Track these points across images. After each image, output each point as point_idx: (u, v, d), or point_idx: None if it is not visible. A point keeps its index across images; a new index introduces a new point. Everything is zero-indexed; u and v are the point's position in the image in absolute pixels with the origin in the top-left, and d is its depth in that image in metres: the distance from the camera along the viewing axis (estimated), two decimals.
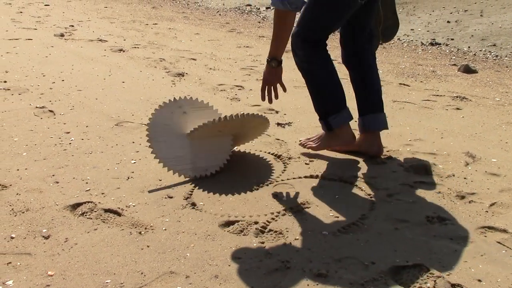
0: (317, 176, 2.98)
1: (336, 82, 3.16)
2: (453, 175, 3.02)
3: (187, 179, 2.94)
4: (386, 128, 3.29)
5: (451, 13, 8.54)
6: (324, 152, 3.31)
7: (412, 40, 7.30)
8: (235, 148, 3.35)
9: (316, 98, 3.19)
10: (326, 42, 3.10)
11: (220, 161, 3.05)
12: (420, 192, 2.81)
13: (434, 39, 7.24)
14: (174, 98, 3.27)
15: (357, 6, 2.98)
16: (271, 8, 2.71)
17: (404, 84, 5.07)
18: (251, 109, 4.10)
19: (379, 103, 3.29)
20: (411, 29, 7.81)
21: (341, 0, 2.93)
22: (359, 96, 3.32)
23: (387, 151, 3.34)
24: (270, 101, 3.10)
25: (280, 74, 3.05)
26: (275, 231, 2.42)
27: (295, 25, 3.03)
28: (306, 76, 3.16)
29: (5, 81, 4.75)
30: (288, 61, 5.77)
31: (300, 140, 3.41)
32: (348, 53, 3.31)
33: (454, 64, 6.00)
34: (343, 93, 3.19)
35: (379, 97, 3.30)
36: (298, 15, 2.99)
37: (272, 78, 3.06)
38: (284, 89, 3.16)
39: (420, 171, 3.07)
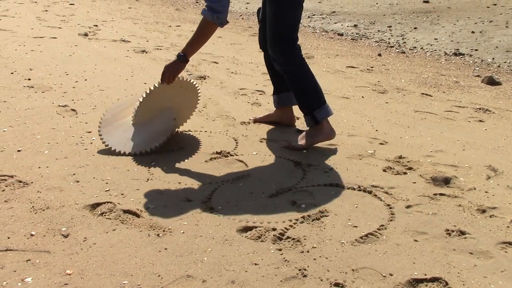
0: (336, 185, 2.97)
1: (315, 79, 3.47)
2: (474, 188, 2.99)
3: (206, 182, 2.95)
4: (295, 104, 3.64)
5: (475, 23, 8.47)
6: (344, 161, 3.30)
7: (435, 50, 7.25)
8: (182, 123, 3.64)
9: (302, 96, 3.46)
10: (296, 42, 3.42)
11: (163, 136, 3.37)
12: (440, 205, 2.78)
13: (458, 49, 7.19)
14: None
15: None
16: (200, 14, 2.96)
17: (427, 94, 5.03)
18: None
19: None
20: (435, 39, 7.76)
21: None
22: (273, 78, 3.79)
23: (408, 162, 3.32)
24: (168, 83, 3.35)
25: (182, 69, 3.35)
26: (293, 239, 2.42)
27: (268, 38, 3.41)
28: (290, 77, 3.45)
29: (29, 79, 4.80)
30: (310, 68, 5.77)
31: (282, 144, 3.54)
32: (264, 39, 3.57)
33: (478, 76, 5.94)
34: (321, 89, 3.50)
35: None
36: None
37: (175, 70, 3.32)
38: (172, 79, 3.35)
39: (441, 183, 3.04)
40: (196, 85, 3.59)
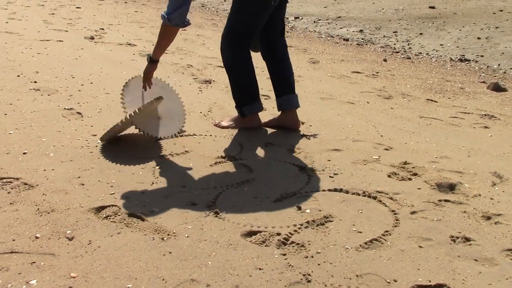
0: (341, 190, 2.97)
1: (251, 79, 3.80)
2: (479, 195, 2.98)
3: (211, 186, 2.95)
4: (298, 106, 3.93)
5: (481, 29, 8.46)
6: (349, 166, 3.30)
7: (441, 56, 7.24)
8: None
9: (235, 90, 3.84)
10: (249, 42, 3.70)
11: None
12: (445, 211, 2.78)
13: (464, 55, 7.18)
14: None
15: (272, 8, 3.62)
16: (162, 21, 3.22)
17: (432, 100, 5.03)
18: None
19: (290, 86, 3.92)
20: (440, 44, 7.76)
21: (259, 4, 3.55)
22: (274, 82, 3.98)
23: (413, 167, 3.31)
24: (146, 89, 3.68)
25: (154, 70, 3.63)
26: (297, 244, 2.42)
27: (224, 28, 3.71)
28: (229, 72, 3.81)
29: (35, 82, 4.82)
30: (314, 72, 5.78)
31: (214, 122, 3.95)
32: (264, 48, 3.92)
33: (483, 82, 5.94)
34: (256, 88, 3.84)
35: (290, 82, 3.93)
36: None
37: (149, 72, 3.62)
38: (149, 83, 3.68)
39: (446, 189, 3.03)
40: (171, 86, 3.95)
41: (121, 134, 3.70)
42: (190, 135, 3.71)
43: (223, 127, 3.88)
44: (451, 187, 3.06)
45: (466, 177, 3.22)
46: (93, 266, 2.20)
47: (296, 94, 3.95)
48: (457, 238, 2.51)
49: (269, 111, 4.31)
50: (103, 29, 8.01)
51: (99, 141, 3.52)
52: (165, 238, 2.42)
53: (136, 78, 3.84)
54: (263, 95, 4.76)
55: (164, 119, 3.73)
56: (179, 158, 3.34)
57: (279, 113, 3.98)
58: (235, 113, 3.98)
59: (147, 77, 3.65)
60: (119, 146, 3.46)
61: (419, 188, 3.04)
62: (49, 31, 7.52)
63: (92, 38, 7.24)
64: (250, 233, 2.50)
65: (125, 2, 11.67)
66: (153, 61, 3.59)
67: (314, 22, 9.66)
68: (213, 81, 5.20)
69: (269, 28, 3.81)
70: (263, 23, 3.69)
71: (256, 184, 3.01)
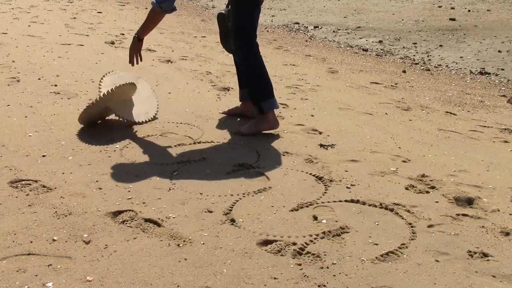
0: (358, 201, 2.95)
1: (267, 75, 3.95)
2: (498, 210, 2.95)
3: (228, 194, 2.95)
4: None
5: (502, 42, 8.40)
6: (366, 177, 3.28)
7: (460, 68, 7.19)
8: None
9: (252, 87, 3.94)
10: (257, 41, 3.92)
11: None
12: (463, 225, 2.75)
13: (484, 68, 7.13)
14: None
15: (260, 4, 3.91)
16: (153, 6, 3.78)
17: (451, 113, 4.99)
18: (295, 128, 4.10)
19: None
20: (460, 57, 7.71)
21: (253, 3, 3.82)
22: (239, 75, 4.25)
23: (430, 180, 3.29)
24: (133, 64, 4.01)
25: (140, 47, 3.96)
26: (313, 254, 2.41)
27: (233, 34, 3.90)
28: (246, 70, 3.98)
29: (55, 85, 4.87)
30: (333, 82, 5.77)
31: (233, 130, 4.00)
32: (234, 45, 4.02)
33: (504, 95, 5.89)
34: (271, 84, 3.97)
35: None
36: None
37: (134, 48, 3.95)
38: (141, 59, 4.02)
39: (464, 204, 3.01)
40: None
41: (101, 120, 4.02)
42: (208, 142, 3.72)
43: (243, 134, 3.90)
44: (469, 202, 3.03)
45: (485, 191, 3.19)
46: (109, 270, 2.21)
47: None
48: (475, 253, 2.48)
49: (287, 120, 4.31)
50: (123, 34, 8.07)
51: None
52: (181, 245, 2.42)
53: (111, 74, 4.19)
54: (281, 104, 4.76)
55: (138, 105, 4.07)
56: (196, 164, 3.34)
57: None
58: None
59: (132, 54, 3.97)
60: (137, 151, 3.48)
61: (436, 202, 3.01)
62: (70, 35, 7.60)
63: (112, 43, 7.29)
64: (266, 242, 2.49)
65: (146, 8, 11.74)
66: (139, 40, 3.93)
67: (334, 31, 9.65)
68: (232, 88, 5.21)
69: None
70: (257, 19, 3.95)
71: (272, 193, 3.01)
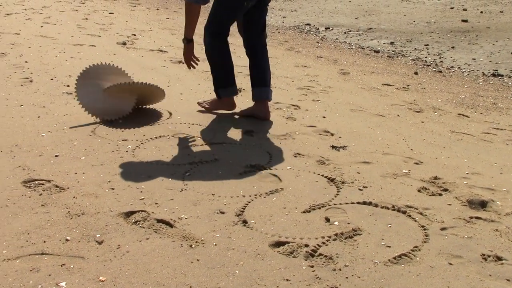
0: (370, 203, 2.94)
1: (227, 65, 4.28)
2: None
3: (240, 195, 2.95)
4: (269, 99, 4.35)
5: None
6: (378, 179, 3.27)
7: (473, 70, 7.16)
8: (137, 106, 4.34)
9: (213, 74, 4.31)
10: (226, 34, 4.20)
11: (123, 112, 4.10)
12: (476, 228, 2.73)
13: (497, 70, 7.08)
14: (101, 63, 4.39)
15: (245, 8, 4.12)
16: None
17: (463, 115, 4.96)
18: (307, 129, 4.09)
19: (264, 80, 4.33)
20: (473, 59, 7.67)
21: (234, 2, 4.07)
22: (251, 76, 4.39)
23: (443, 183, 3.27)
24: (191, 67, 4.30)
25: (192, 49, 4.20)
26: (325, 256, 2.40)
27: (206, 21, 4.20)
28: (208, 58, 4.30)
29: (68, 85, 4.89)
30: (344, 84, 5.76)
31: (198, 102, 4.52)
32: (246, 44, 4.39)
33: None
34: (231, 74, 4.31)
35: (265, 76, 4.35)
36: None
37: (188, 52, 4.20)
38: (198, 60, 4.27)
39: (477, 206, 2.99)
40: (162, 98, 4.44)
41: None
42: (220, 143, 3.72)
43: (204, 108, 4.43)
44: (483, 204, 3.01)
45: (498, 194, 3.17)
46: (121, 270, 2.21)
47: (270, 88, 4.37)
48: (489, 256, 2.47)
49: (298, 121, 4.30)
50: (135, 35, 8.11)
51: (130, 147, 3.56)
52: (193, 246, 2.43)
53: (89, 69, 4.27)
54: (293, 105, 4.76)
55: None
56: (208, 165, 3.35)
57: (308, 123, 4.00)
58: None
59: (188, 59, 4.21)
60: (149, 152, 3.48)
61: (449, 204, 3.00)
62: (82, 36, 7.64)
63: (124, 43, 7.33)
64: (278, 244, 2.49)
65: (157, 9, 11.79)
66: (189, 41, 4.13)
67: (345, 33, 9.63)
68: (243, 89, 5.21)
69: (250, 26, 4.32)
70: (236, 18, 4.24)
71: (284, 194, 3.00)
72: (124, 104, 4.14)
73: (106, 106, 4.09)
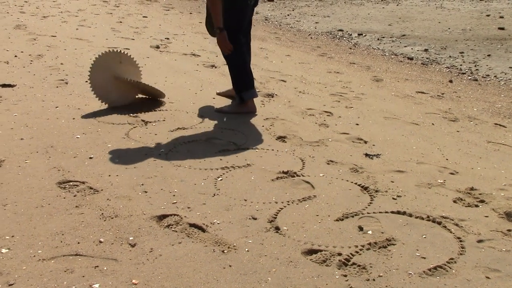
0: (404, 213, 2.89)
1: (248, 68, 4.56)
2: None
3: (272, 202, 2.93)
4: (255, 96, 4.63)
5: None
6: (413, 189, 3.21)
7: (510, 79, 7.01)
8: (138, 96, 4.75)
9: (234, 78, 4.53)
10: (243, 36, 4.50)
11: (124, 102, 4.54)
12: None
13: None
14: (118, 50, 4.66)
15: (250, 7, 4.48)
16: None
17: (500, 125, 4.86)
18: (340, 136, 4.05)
19: (252, 82, 4.59)
20: (510, 67, 7.51)
21: (242, 3, 4.37)
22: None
23: (479, 194, 3.20)
24: (229, 51, 4.39)
25: (225, 36, 4.30)
26: (359, 265, 2.37)
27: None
28: (229, 63, 4.53)
29: None
30: (378, 91, 5.70)
31: (216, 108, 4.62)
32: None
33: None
34: (252, 76, 4.58)
35: (252, 77, 4.62)
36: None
37: (224, 39, 4.31)
38: (230, 47, 4.36)
39: None
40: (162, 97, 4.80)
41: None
42: (252, 148, 3.71)
43: (223, 112, 4.50)
44: None
45: None
46: (154, 274, 2.22)
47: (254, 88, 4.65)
48: None
49: (331, 128, 4.27)
50: (168, 38, 8.16)
51: (163, 150, 3.57)
52: (225, 251, 2.42)
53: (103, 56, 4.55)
54: (326, 111, 4.73)
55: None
56: (240, 171, 3.34)
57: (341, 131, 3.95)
58: (296, 127, 3.96)
59: (224, 45, 4.33)
60: (182, 156, 3.49)
61: (486, 216, 2.93)
62: (116, 39, 7.72)
63: (157, 47, 7.38)
64: (311, 251, 2.46)
65: (190, 13, 11.86)
66: (221, 29, 4.26)
67: (378, 39, 9.55)
68: (276, 95, 5.20)
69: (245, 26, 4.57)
70: (247, 21, 4.53)
71: (317, 202, 2.97)
72: (127, 95, 4.58)
73: (112, 92, 4.48)
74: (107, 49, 4.88)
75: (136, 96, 4.70)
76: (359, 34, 9.99)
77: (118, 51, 4.65)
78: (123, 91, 4.54)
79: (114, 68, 4.54)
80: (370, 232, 2.67)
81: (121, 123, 4.04)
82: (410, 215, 2.88)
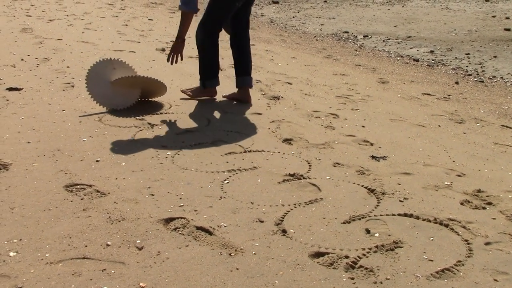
0: (411, 215, 2.89)
1: (215, 60, 4.88)
2: None
3: (279, 204, 2.93)
4: (251, 86, 4.99)
5: None
6: (420, 191, 3.21)
7: None
8: (139, 99, 4.70)
9: (202, 67, 4.89)
10: (219, 31, 4.78)
11: (128, 103, 4.57)
12: None
13: None
14: (109, 58, 4.72)
15: (236, 7, 4.68)
16: (179, 10, 4.68)
17: (507, 126, 4.84)
18: (346, 138, 4.05)
19: (247, 69, 4.94)
20: None
21: (227, 2, 4.63)
22: (235, 65, 4.98)
23: (487, 196, 3.19)
24: (172, 63, 4.72)
25: (182, 48, 4.71)
26: (366, 268, 2.36)
27: (201, 18, 4.81)
28: (200, 52, 4.86)
29: None
30: (384, 93, 5.69)
31: (181, 90, 5.06)
32: (233, 38, 4.94)
33: None
34: (217, 68, 4.95)
35: (247, 65, 4.95)
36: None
37: (177, 49, 4.68)
38: (182, 58, 4.76)
39: None
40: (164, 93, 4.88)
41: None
42: (259, 151, 3.71)
43: (188, 95, 4.95)
44: None
45: None
46: (161, 277, 2.22)
47: (251, 77, 4.97)
48: None
49: (337, 130, 4.27)
50: (174, 41, 8.17)
51: (169, 153, 3.58)
52: (232, 254, 2.42)
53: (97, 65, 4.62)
54: (332, 114, 4.72)
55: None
56: (247, 173, 3.34)
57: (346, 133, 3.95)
58: (302, 129, 3.95)
59: (174, 54, 4.66)
60: (188, 159, 3.50)
61: (494, 218, 2.92)
62: (122, 42, 7.75)
63: (163, 50, 7.39)
64: (318, 254, 2.46)
65: (195, 16, 11.87)
66: (182, 40, 4.64)
67: (384, 41, 9.54)
68: (282, 97, 5.20)
69: (238, 24, 4.87)
70: (228, 17, 4.76)
71: (324, 204, 2.97)
72: (129, 96, 4.59)
73: (113, 97, 4.51)
74: (104, 56, 4.95)
75: (139, 100, 4.70)
76: (364, 36, 9.99)
77: (109, 58, 4.70)
78: (124, 93, 4.56)
79: (110, 75, 4.58)
80: (377, 234, 2.66)
81: (127, 126, 4.05)
82: (417, 218, 2.87)
